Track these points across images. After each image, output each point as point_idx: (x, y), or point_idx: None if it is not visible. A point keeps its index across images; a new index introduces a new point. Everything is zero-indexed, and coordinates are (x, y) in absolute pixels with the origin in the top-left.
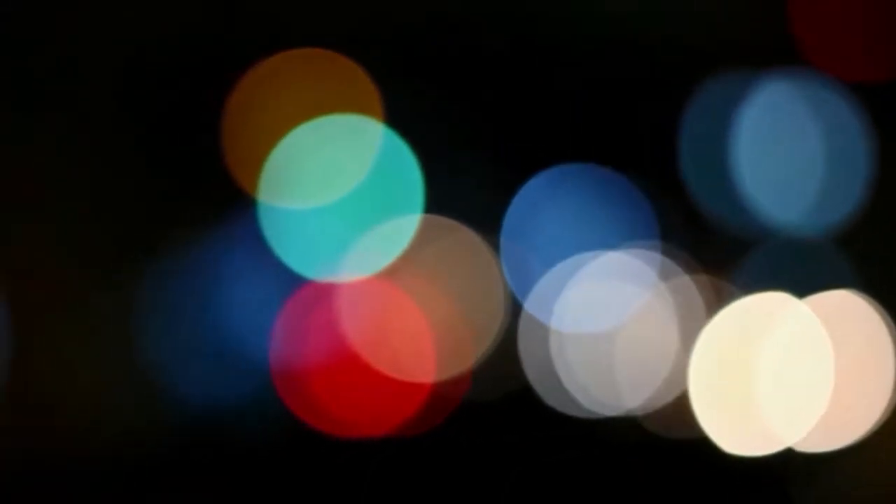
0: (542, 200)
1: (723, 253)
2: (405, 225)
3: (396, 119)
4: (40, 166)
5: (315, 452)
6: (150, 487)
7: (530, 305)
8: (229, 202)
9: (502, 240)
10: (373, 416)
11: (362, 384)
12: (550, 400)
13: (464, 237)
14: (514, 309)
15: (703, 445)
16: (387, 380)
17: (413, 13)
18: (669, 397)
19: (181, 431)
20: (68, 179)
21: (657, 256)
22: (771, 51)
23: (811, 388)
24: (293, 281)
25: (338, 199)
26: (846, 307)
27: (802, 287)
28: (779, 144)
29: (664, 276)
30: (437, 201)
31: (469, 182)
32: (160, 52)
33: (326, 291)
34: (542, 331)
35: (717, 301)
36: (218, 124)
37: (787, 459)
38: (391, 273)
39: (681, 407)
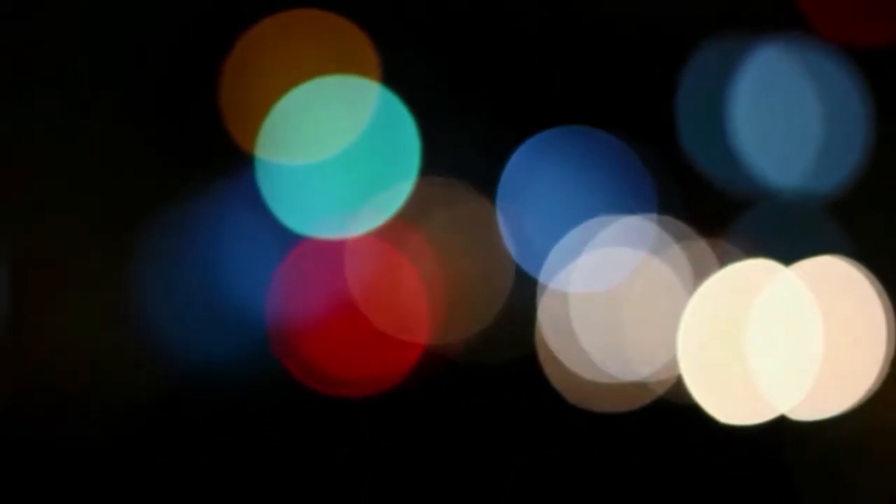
0: (538, 162)
1: (721, 217)
2: (401, 184)
3: (395, 80)
4: (37, 126)
5: (310, 410)
6: (145, 444)
7: (530, 267)
8: (227, 161)
9: (499, 202)
10: (367, 375)
11: (357, 342)
12: (552, 363)
13: (462, 198)
14: (516, 271)
15: (695, 413)
16: (381, 338)
17: None
18: (664, 364)
19: (177, 388)
20: (65, 137)
21: (655, 220)
22: (770, 16)
23: (802, 355)
24: (289, 238)
25: (334, 157)
26: (836, 273)
27: (795, 252)
28: (777, 109)
29: (663, 239)
30: (435, 162)
31: (467, 143)
32: (157, 12)
33: (322, 249)
34: (544, 293)
35: (716, 265)
36: (216, 84)
37: (780, 427)
38: (388, 231)
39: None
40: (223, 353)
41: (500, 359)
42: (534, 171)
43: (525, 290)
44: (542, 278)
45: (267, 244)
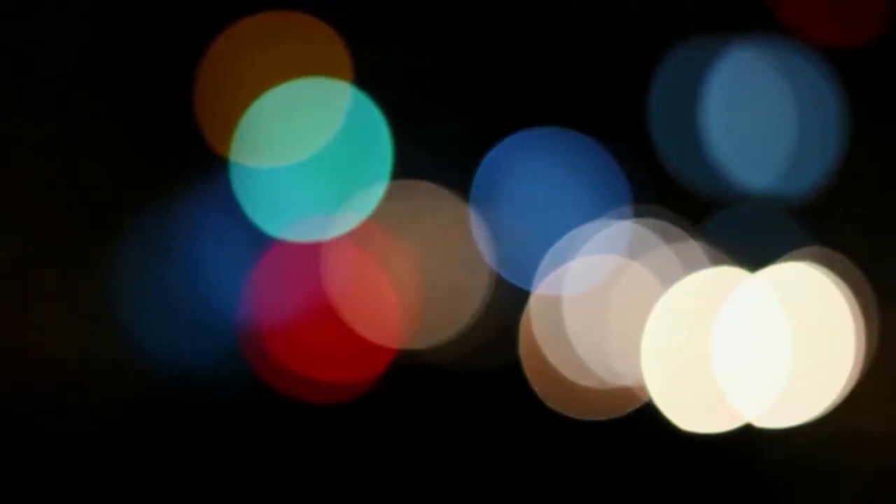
0: (512, 164)
1: (696, 218)
2: (374, 186)
3: (368, 81)
4: (11, 132)
5: (282, 415)
6: (121, 447)
7: (507, 271)
8: (202, 164)
9: (473, 204)
10: (339, 379)
11: (329, 346)
12: (533, 366)
13: (439, 201)
14: (491, 274)
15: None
16: (354, 342)
17: None
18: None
19: (153, 391)
20: (39, 143)
21: (633, 223)
22: (743, 16)
23: (769, 363)
24: (264, 241)
25: (307, 159)
26: (804, 279)
27: (767, 255)
28: (750, 110)
29: (640, 242)
30: (411, 164)
31: (439, 145)
32: (134, 15)
33: (296, 252)
34: (520, 296)
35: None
36: (189, 87)
37: (747, 436)
38: (362, 234)
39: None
40: (198, 356)
41: (477, 364)
42: (508, 172)
43: (502, 294)
44: (519, 282)
45: (242, 247)
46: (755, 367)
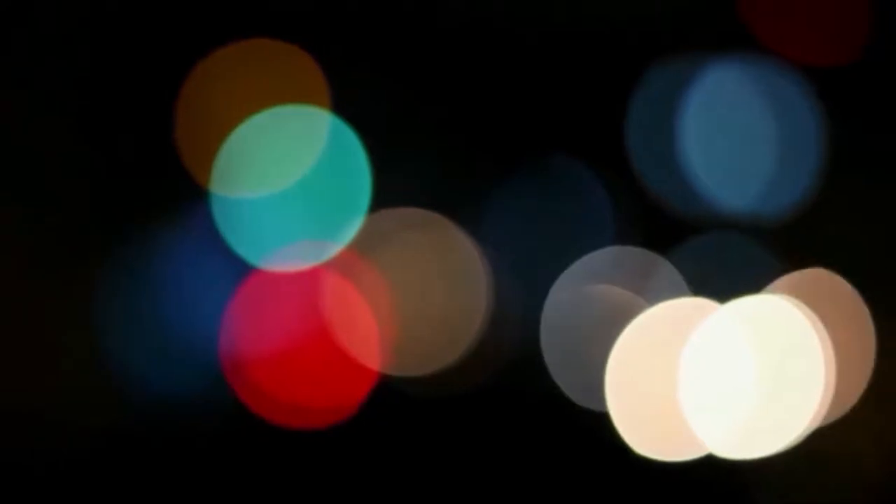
0: (501, 194)
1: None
2: (353, 214)
3: (347, 109)
4: None
5: (265, 442)
6: (103, 479)
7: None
8: (182, 193)
9: (475, 234)
10: (320, 405)
11: (309, 373)
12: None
13: (430, 227)
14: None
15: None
16: (334, 368)
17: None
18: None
19: (133, 421)
20: (20, 173)
21: (619, 250)
22: (722, 35)
23: (734, 393)
24: (244, 270)
25: (286, 188)
26: (772, 311)
27: (742, 281)
28: (728, 131)
29: (615, 268)
30: (387, 192)
31: (418, 173)
32: (111, 46)
33: (276, 280)
34: (507, 323)
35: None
36: (169, 116)
37: (709, 466)
38: (343, 261)
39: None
40: (179, 384)
41: (461, 388)
42: (492, 198)
43: (488, 320)
44: (512, 308)
45: (223, 276)
46: (719, 399)
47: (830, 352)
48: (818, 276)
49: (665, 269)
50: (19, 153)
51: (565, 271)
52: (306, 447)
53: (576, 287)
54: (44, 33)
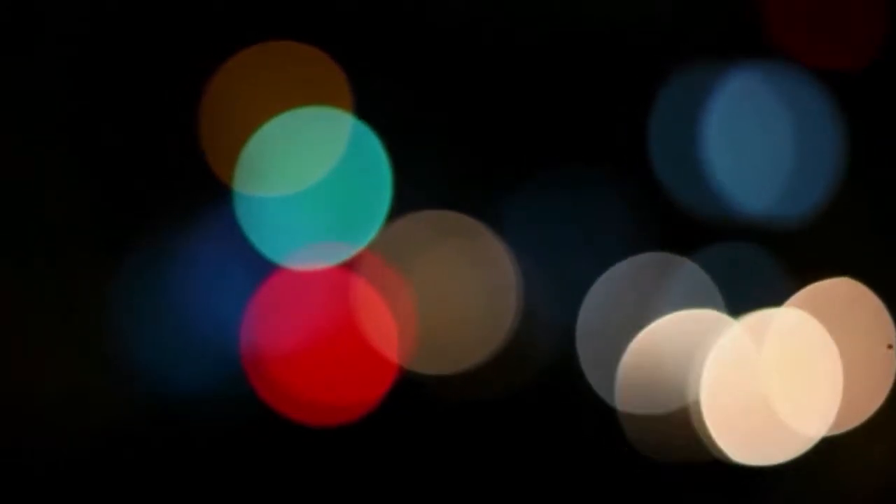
0: (520, 197)
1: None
2: (374, 216)
3: (369, 112)
4: (13, 161)
5: (285, 439)
6: (122, 476)
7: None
8: (202, 195)
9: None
10: (339, 403)
11: (329, 371)
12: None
13: (445, 231)
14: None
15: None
16: (353, 367)
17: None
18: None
19: (154, 420)
20: (40, 171)
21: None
22: (740, 40)
23: (751, 400)
24: (264, 269)
25: (308, 188)
26: (794, 323)
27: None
28: (748, 136)
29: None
30: (407, 195)
31: (437, 176)
32: (134, 45)
33: (297, 279)
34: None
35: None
36: (191, 117)
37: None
38: (364, 262)
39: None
40: (198, 382)
41: (484, 391)
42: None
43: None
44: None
45: (243, 274)
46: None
47: (848, 361)
48: (841, 286)
49: (693, 274)
50: (39, 152)
51: (601, 277)
52: (325, 444)
53: (610, 291)
54: (66, 32)
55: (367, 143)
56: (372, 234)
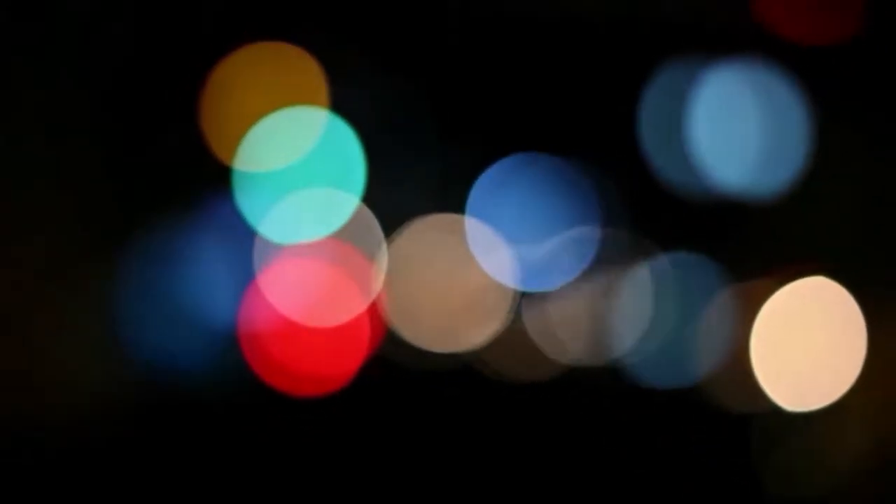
0: (503, 185)
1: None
2: (351, 195)
3: (346, 107)
4: (16, 152)
5: (264, 410)
6: (118, 451)
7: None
8: (195, 185)
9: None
10: (317, 375)
11: (309, 344)
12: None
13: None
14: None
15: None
16: (333, 339)
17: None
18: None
19: (147, 394)
20: (41, 165)
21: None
22: (720, 32)
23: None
24: (255, 251)
25: (293, 170)
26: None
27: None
28: (728, 119)
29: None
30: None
31: (415, 169)
32: (130, 44)
33: (287, 255)
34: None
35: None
36: (186, 114)
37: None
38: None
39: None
40: (191, 358)
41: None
42: (499, 193)
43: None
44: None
45: (235, 256)
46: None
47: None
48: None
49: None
50: (44, 147)
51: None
52: (313, 414)
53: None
54: (64, 31)
55: (342, 133)
56: (350, 210)
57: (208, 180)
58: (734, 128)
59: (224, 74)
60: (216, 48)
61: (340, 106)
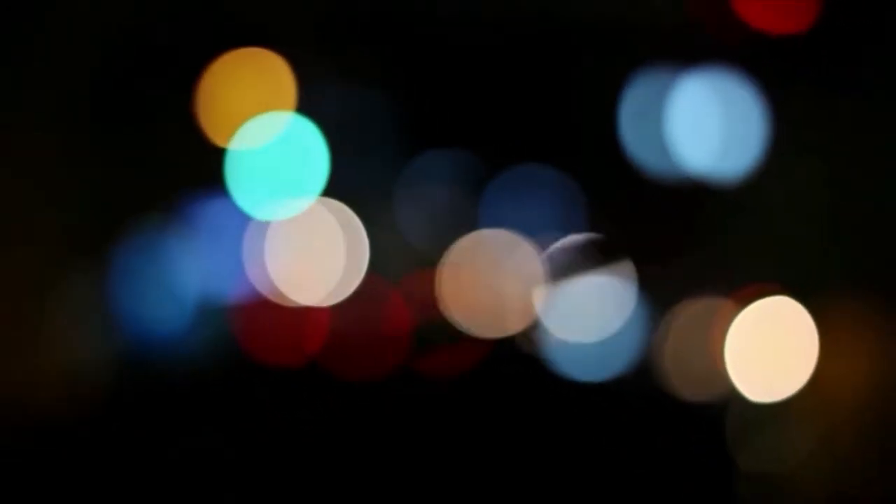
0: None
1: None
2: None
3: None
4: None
5: (242, 382)
6: (107, 424)
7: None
8: (180, 186)
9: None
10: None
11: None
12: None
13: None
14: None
15: None
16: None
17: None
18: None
19: (135, 367)
20: (33, 166)
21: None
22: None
23: None
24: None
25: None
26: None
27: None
28: (698, 115)
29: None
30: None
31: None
32: (119, 47)
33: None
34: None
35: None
36: (176, 114)
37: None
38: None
39: None
40: (174, 331)
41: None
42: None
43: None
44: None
45: (222, 238)
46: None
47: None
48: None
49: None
50: (35, 148)
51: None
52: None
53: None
54: (55, 35)
55: (306, 129)
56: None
57: (196, 171)
58: (701, 120)
59: (214, 76)
60: (203, 51)
61: (310, 108)
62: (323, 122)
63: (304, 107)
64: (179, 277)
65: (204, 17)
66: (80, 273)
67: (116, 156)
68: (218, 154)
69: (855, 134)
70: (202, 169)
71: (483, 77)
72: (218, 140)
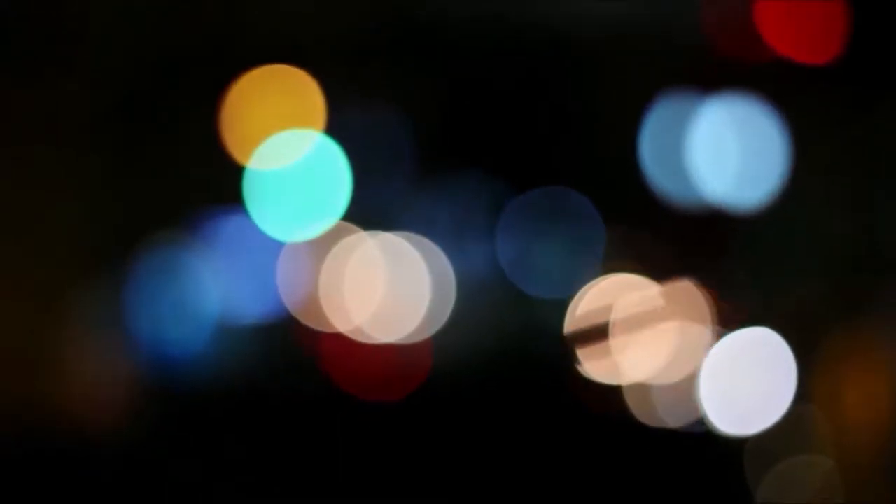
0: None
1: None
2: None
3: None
4: (26, 166)
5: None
6: (126, 445)
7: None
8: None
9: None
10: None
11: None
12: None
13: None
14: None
15: None
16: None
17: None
18: None
19: (154, 386)
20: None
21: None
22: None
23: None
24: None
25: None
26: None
27: None
28: (717, 144)
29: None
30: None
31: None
32: (142, 62)
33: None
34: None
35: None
36: (198, 128)
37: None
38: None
39: None
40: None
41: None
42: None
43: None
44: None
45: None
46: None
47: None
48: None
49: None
50: (54, 165)
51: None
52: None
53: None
54: (79, 51)
55: (330, 148)
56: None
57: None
58: (722, 146)
59: (237, 91)
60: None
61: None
62: (346, 142)
63: (330, 126)
64: (199, 296)
65: (229, 33)
66: (101, 289)
67: (140, 171)
68: (241, 172)
69: (877, 161)
70: (225, 187)
71: (507, 102)
72: (241, 158)
